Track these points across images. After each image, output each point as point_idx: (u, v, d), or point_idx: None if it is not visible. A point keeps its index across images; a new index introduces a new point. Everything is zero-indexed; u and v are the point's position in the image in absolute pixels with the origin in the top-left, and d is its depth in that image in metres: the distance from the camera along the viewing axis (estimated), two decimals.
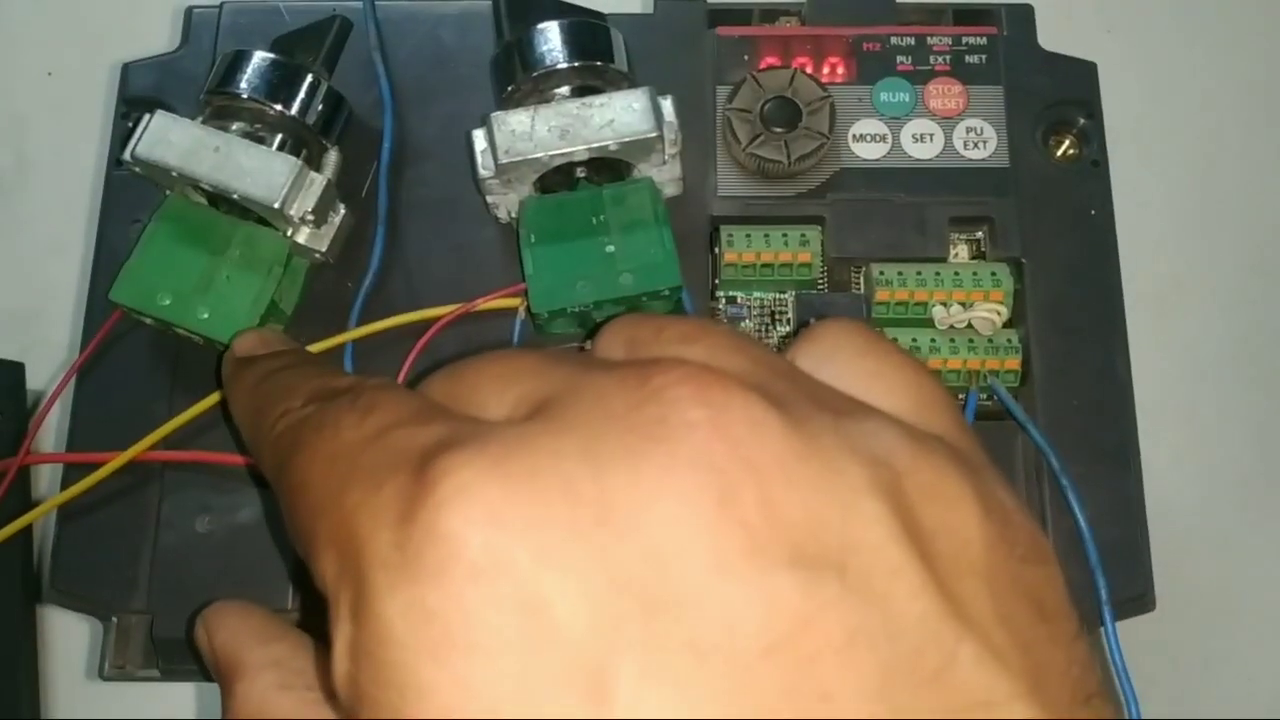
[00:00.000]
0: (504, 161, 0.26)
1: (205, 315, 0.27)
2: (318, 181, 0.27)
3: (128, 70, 0.31)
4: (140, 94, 0.31)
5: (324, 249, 0.28)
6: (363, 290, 0.28)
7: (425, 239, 0.29)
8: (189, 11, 0.32)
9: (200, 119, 0.27)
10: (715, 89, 0.30)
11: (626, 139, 0.26)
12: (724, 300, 0.30)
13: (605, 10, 0.31)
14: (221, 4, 0.31)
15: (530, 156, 0.26)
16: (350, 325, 0.28)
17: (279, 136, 0.27)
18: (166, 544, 0.27)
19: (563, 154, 0.26)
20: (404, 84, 0.31)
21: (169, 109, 0.30)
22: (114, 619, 0.28)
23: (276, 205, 0.26)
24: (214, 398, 0.28)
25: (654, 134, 0.26)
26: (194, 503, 0.28)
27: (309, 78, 0.27)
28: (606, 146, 0.26)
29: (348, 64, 0.30)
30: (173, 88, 0.31)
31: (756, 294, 0.30)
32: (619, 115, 0.26)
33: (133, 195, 0.29)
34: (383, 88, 0.29)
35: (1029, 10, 0.31)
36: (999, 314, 0.28)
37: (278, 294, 0.27)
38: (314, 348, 0.28)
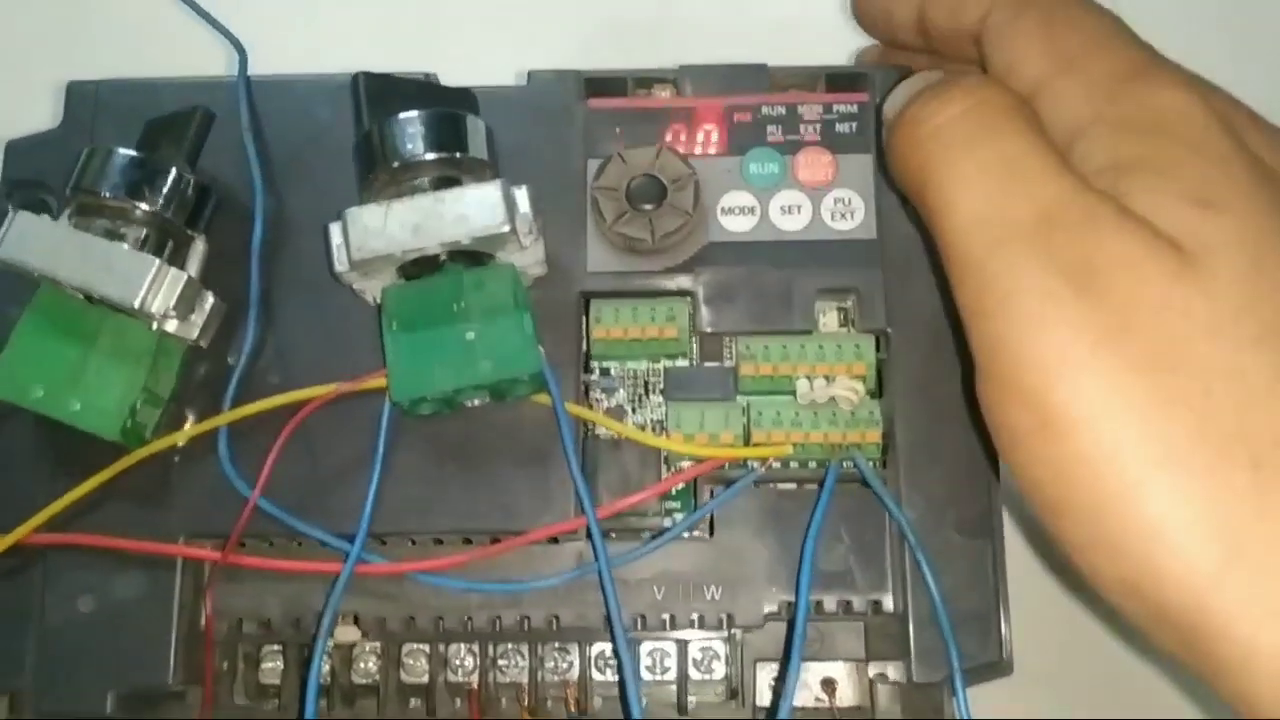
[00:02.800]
0: (357, 258, 0.27)
1: (77, 407, 0.28)
2: (179, 278, 0.27)
3: (9, 149, 0.32)
4: (22, 174, 0.31)
5: (194, 337, 0.29)
6: (235, 374, 0.29)
7: (300, 320, 0.30)
8: (69, 87, 0.32)
9: (66, 213, 0.28)
10: (587, 162, 0.31)
11: (478, 234, 0.27)
12: (598, 371, 0.31)
13: (478, 82, 0.31)
14: (99, 82, 0.32)
15: (383, 253, 0.27)
16: (224, 408, 0.29)
17: (143, 231, 0.28)
18: (50, 625, 0.28)
19: (416, 250, 0.27)
20: (278, 160, 0.31)
21: (49, 189, 0.31)
22: (4, 697, 0.29)
23: (135, 305, 0.26)
24: (94, 481, 0.28)
25: (505, 228, 0.27)
26: (76, 583, 0.29)
27: (171, 172, 0.28)
28: (459, 241, 0.27)
29: (225, 138, 0.30)
30: (53, 166, 0.31)
31: (630, 364, 0.31)
32: (470, 210, 0.27)
33: (13, 281, 0.30)
34: (254, 173, 0.30)
35: (905, 74, 0.31)
36: (856, 392, 0.29)
37: (151, 380, 0.28)
38: (186, 433, 0.29)
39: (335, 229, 0.27)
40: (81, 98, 0.32)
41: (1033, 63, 0.25)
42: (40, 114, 0.33)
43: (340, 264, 0.27)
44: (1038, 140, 0.23)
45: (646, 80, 0.32)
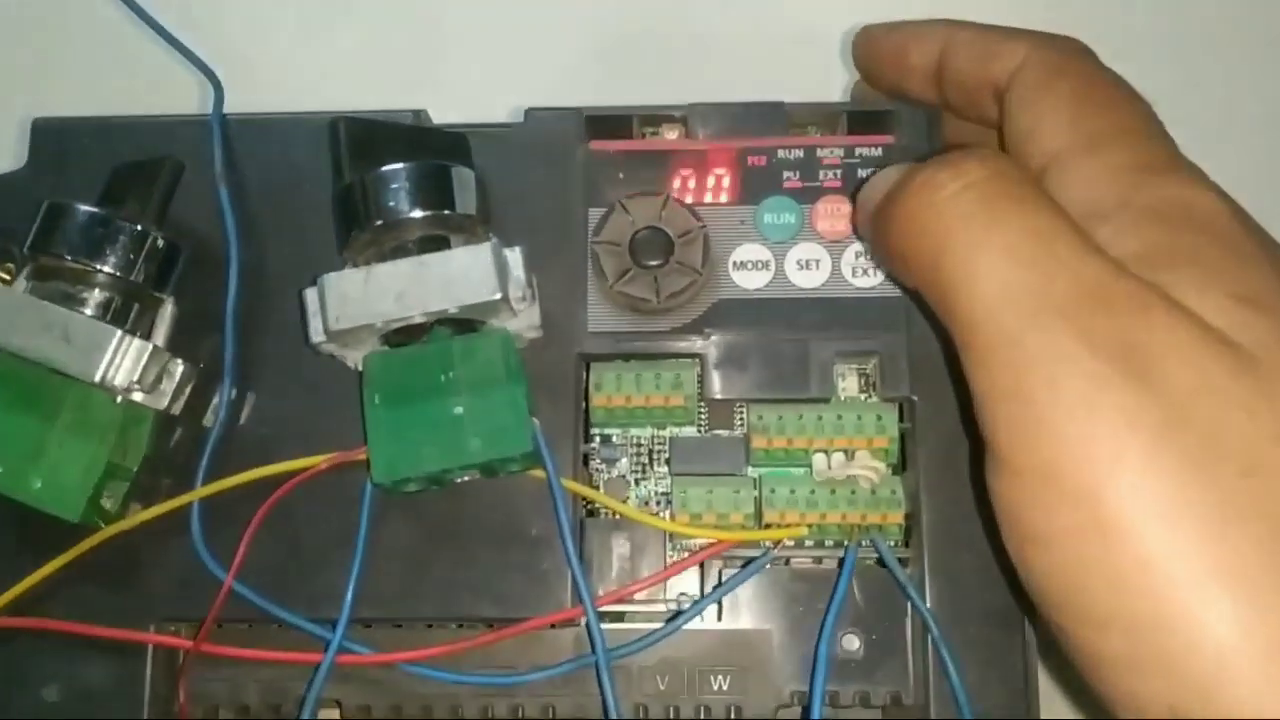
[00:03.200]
0: (335, 329, 0.24)
1: (38, 485, 0.26)
2: (143, 349, 0.25)
3: None
4: None
5: (163, 406, 0.26)
6: (208, 447, 0.27)
7: (279, 385, 0.28)
8: (35, 125, 0.30)
9: (24, 274, 0.26)
10: (588, 211, 0.28)
11: (467, 302, 0.24)
12: (598, 439, 0.28)
13: (472, 117, 0.29)
14: (65, 119, 0.29)
15: (364, 323, 0.24)
16: (197, 482, 0.27)
17: (106, 295, 0.26)
18: (13, 715, 0.27)
19: (399, 319, 0.24)
20: (256, 206, 0.29)
21: (12, 236, 0.29)
22: None
23: (95, 380, 0.24)
24: (60, 561, 0.27)
25: (496, 296, 0.24)
26: (40, 671, 0.27)
27: (135, 232, 0.25)
28: (446, 310, 0.24)
29: (199, 180, 0.28)
30: (17, 210, 0.29)
31: (634, 431, 0.28)
32: (458, 276, 0.24)
33: None
34: (228, 227, 0.27)
35: (934, 114, 0.29)
36: (877, 471, 0.26)
37: (117, 454, 0.26)
38: (155, 511, 0.27)
39: (311, 296, 0.25)
40: (48, 136, 0.30)
41: (1058, 133, 0.24)
42: (6, 152, 0.30)
43: (316, 334, 0.25)
44: (1065, 216, 0.22)
45: (653, 118, 0.29)
